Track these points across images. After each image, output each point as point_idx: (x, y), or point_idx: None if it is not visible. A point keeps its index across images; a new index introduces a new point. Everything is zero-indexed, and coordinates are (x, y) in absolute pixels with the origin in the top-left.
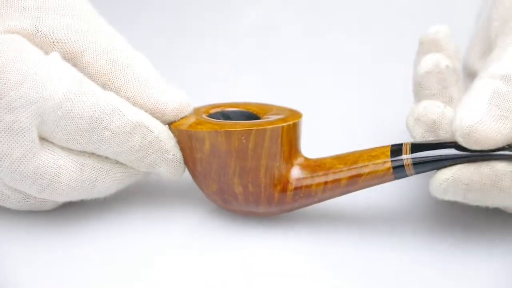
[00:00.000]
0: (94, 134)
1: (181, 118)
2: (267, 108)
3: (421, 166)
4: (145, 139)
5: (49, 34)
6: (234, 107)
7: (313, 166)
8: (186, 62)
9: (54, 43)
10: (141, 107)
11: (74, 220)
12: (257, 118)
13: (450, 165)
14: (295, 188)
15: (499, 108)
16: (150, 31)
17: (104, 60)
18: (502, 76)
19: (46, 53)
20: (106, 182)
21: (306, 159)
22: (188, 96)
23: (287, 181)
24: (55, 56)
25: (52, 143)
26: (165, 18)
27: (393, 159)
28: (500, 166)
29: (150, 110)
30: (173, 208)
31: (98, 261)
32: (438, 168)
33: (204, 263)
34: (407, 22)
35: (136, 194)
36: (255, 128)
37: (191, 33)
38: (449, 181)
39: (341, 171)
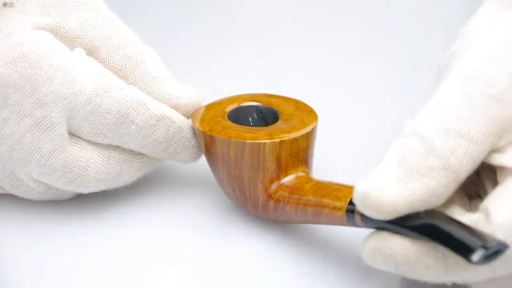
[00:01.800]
0: (121, 128)
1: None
2: (287, 109)
3: (368, 221)
4: (169, 130)
5: (70, 30)
6: (264, 102)
7: (294, 187)
8: (190, 57)
9: (74, 39)
10: None
11: (82, 210)
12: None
13: (386, 230)
14: (275, 205)
15: (403, 169)
16: (148, 23)
17: (120, 56)
18: (412, 133)
19: (70, 48)
20: (130, 172)
21: (297, 177)
22: (199, 91)
23: (270, 196)
24: (81, 52)
25: (79, 137)
26: (164, 10)
27: (349, 206)
28: (419, 240)
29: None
30: (182, 200)
31: (103, 252)
32: (379, 229)
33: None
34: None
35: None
36: (234, 139)
37: (192, 29)
38: (374, 250)
39: (309, 201)
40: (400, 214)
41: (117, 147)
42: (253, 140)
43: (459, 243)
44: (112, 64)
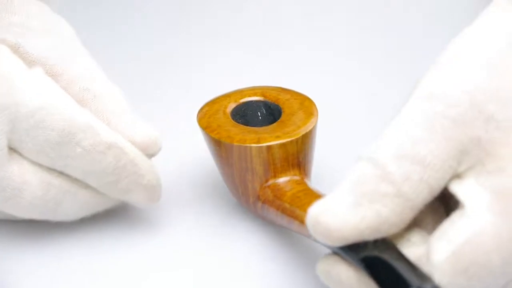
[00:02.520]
0: (65, 148)
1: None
2: (290, 108)
3: (321, 243)
4: (120, 161)
5: (30, 52)
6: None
7: (278, 192)
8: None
9: (34, 61)
10: None
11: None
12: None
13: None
14: (262, 206)
15: (354, 195)
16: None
17: (78, 87)
18: (368, 158)
19: (28, 67)
20: (73, 206)
21: (287, 181)
22: (156, 131)
23: (258, 197)
24: (38, 70)
25: (20, 154)
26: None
27: None
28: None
29: None
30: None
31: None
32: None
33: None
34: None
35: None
36: (223, 140)
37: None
38: (325, 273)
39: (286, 209)
40: (348, 242)
41: (61, 174)
42: (240, 143)
43: (398, 278)
44: (71, 94)
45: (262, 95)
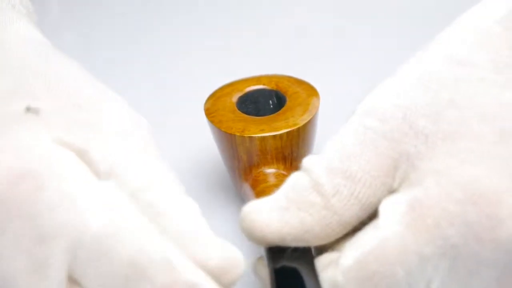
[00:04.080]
0: (133, 285)
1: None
2: (294, 101)
3: None
4: None
5: (101, 159)
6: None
7: (254, 184)
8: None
9: (105, 171)
10: None
11: None
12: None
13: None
14: (245, 193)
15: (286, 200)
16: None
17: (141, 202)
18: (306, 168)
19: (99, 177)
20: None
21: (269, 174)
22: (237, 250)
23: (242, 184)
24: (110, 184)
25: (79, 285)
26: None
27: None
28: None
29: None
30: None
31: None
32: None
33: None
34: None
35: None
36: (213, 125)
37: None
38: (252, 268)
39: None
40: (268, 244)
41: None
42: (226, 130)
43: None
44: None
45: (276, 84)
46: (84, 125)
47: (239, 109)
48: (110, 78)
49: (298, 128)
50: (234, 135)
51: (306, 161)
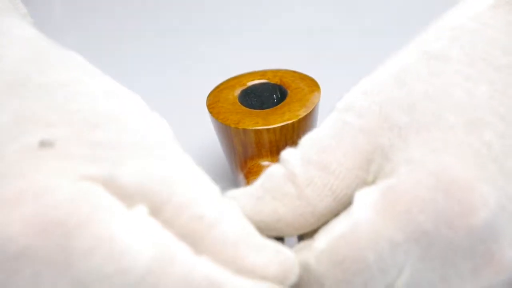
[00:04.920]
0: None
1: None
2: (294, 95)
3: None
4: None
5: (128, 184)
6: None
7: (248, 175)
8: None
9: (132, 195)
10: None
11: None
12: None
13: None
14: (241, 183)
15: (261, 189)
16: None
17: (187, 216)
18: (283, 159)
19: (128, 205)
20: None
21: (266, 166)
22: (289, 250)
23: (238, 174)
24: (141, 212)
25: None
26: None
27: None
28: None
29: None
30: None
31: None
32: None
33: None
34: None
35: None
36: (213, 116)
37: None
38: None
39: None
40: None
41: None
42: (222, 121)
43: None
44: (177, 227)
45: (280, 79)
46: (105, 148)
47: (242, 103)
48: (114, 78)
49: (293, 123)
50: (230, 126)
51: (284, 153)
